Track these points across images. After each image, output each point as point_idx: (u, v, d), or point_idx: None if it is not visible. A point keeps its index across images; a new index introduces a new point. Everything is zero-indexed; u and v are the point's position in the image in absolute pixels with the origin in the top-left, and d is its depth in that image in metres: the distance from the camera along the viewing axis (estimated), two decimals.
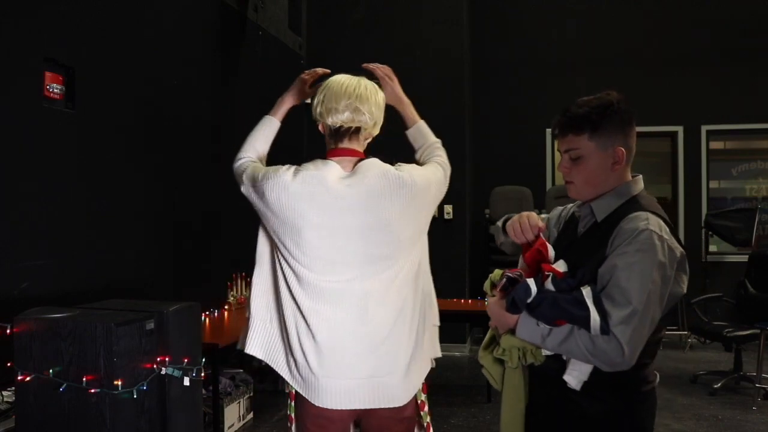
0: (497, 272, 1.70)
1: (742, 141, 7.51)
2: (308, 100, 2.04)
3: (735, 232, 6.50)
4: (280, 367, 1.88)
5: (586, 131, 1.60)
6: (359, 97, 1.85)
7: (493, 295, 1.69)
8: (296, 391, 1.87)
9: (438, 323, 2.01)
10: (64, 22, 3.18)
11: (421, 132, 2.09)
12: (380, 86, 2.00)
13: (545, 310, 1.51)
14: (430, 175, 1.90)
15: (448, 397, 4.92)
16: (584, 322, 1.46)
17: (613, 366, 1.48)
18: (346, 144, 1.88)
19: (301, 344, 1.81)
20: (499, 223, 1.90)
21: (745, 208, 6.77)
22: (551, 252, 1.65)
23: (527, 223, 1.69)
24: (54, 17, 3.12)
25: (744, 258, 5.85)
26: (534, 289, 1.54)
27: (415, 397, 1.93)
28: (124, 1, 3.66)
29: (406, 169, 1.85)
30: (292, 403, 1.93)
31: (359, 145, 1.90)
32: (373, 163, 1.83)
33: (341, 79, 1.90)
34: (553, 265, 1.60)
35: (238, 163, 2.00)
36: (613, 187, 1.64)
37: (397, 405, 1.85)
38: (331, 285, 1.80)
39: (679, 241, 1.57)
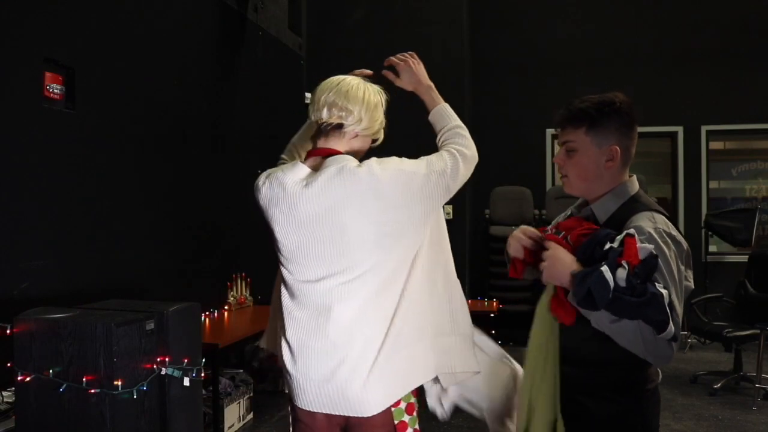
0: None
1: (742, 141, 7.51)
2: (308, 101, 2.01)
3: (735, 232, 6.49)
4: (280, 360, 1.86)
5: (583, 125, 1.62)
6: (339, 92, 1.73)
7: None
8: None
9: (452, 334, 1.78)
10: (64, 22, 3.18)
11: (441, 115, 1.86)
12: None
13: (621, 310, 1.36)
14: (416, 168, 1.67)
15: None
16: (659, 326, 1.37)
17: (663, 363, 1.45)
18: (322, 143, 1.77)
19: (281, 341, 1.81)
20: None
21: (745, 208, 6.76)
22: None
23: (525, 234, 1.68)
24: (54, 17, 3.11)
25: (744, 258, 5.84)
26: (611, 282, 1.35)
27: (392, 415, 1.72)
28: (124, 1, 3.66)
29: (373, 165, 1.65)
30: None
31: (341, 144, 1.76)
32: (335, 159, 1.69)
33: (331, 78, 1.81)
34: (639, 246, 1.38)
35: None
36: (610, 187, 1.64)
37: (356, 414, 1.70)
38: (299, 285, 1.75)
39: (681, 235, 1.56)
